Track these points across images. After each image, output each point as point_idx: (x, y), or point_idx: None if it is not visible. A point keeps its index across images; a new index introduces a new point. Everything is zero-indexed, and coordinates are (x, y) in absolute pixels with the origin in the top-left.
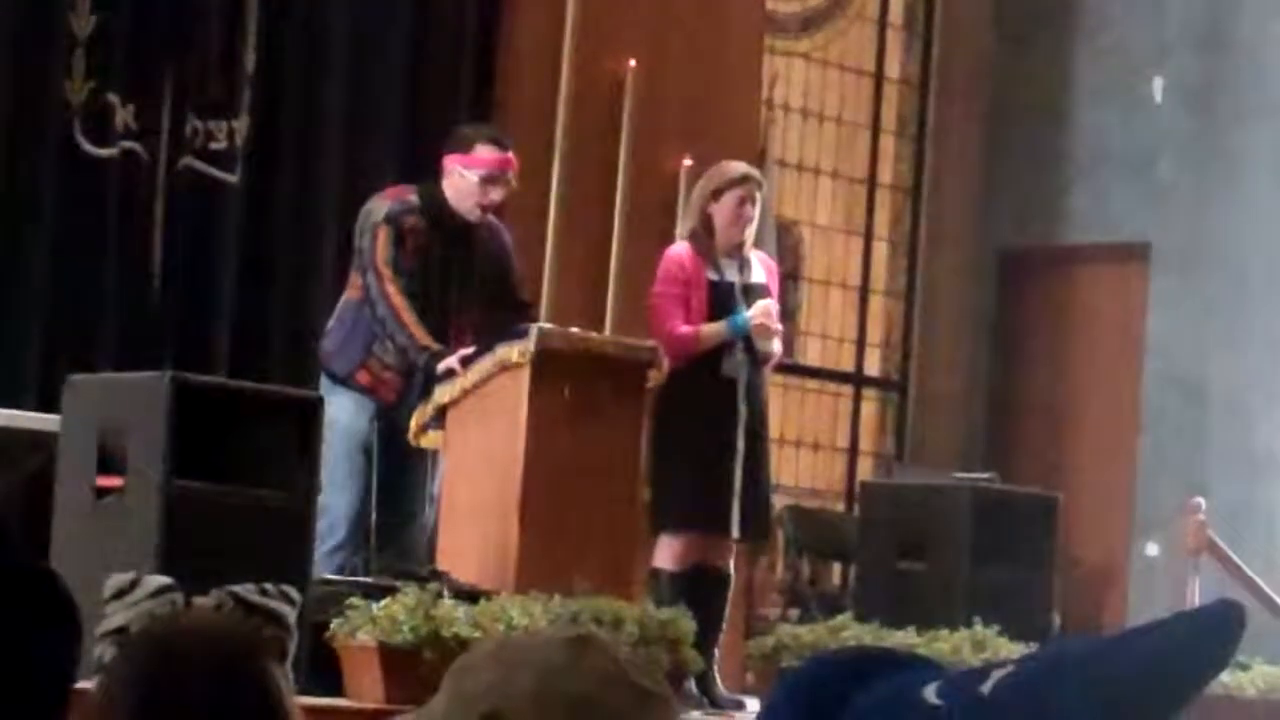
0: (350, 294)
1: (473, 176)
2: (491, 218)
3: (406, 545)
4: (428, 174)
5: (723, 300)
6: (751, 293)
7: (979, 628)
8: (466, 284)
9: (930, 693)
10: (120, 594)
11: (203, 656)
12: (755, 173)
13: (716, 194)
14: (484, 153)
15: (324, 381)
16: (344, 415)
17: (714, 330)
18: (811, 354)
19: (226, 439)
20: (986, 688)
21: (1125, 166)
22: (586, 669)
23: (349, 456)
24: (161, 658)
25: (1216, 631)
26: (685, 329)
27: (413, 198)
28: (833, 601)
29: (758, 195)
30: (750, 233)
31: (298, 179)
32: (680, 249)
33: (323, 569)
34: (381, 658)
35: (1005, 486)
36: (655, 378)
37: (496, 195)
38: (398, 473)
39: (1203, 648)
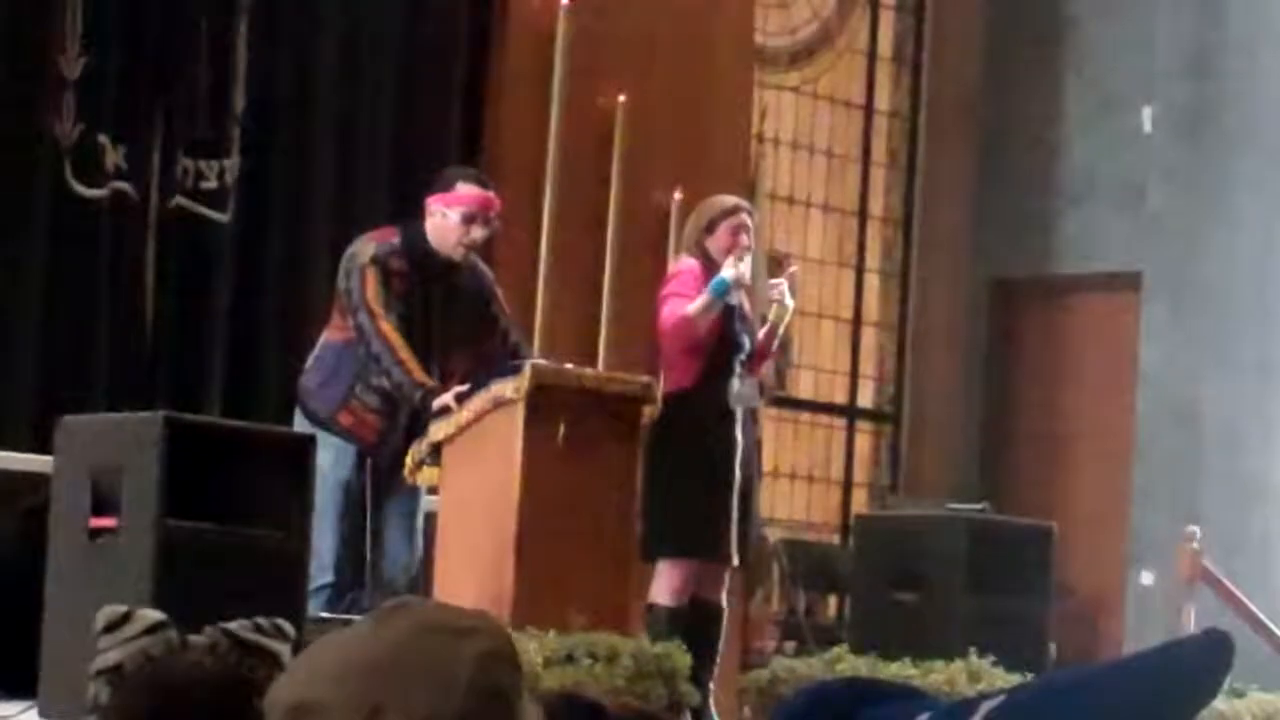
0: (332, 334)
1: (454, 215)
2: (474, 257)
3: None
4: (418, 212)
5: (730, 321)
6: (750, 320)
7: (975, 658)
8: (450, 324)
9: None
10: (112, 627)
11: (198, 698)
12: (744, 203)
13: (710, 227)
14: (465, 191)
15: (300, 420)
16: (326, 458)
17: (701, 302)
18: (804, 387)
19: (220, 478)
20: (976, 719)
21: (1115, 196)
22: (386, 632)
23: (333, 499)
24: (157, 699)
25: (1206, 661)
26: (682, 311)
27: (396, 240)
28: (828, 634)
29: (750, 224)
30: (748, 264)
31: (289, 217)
32: (693, 263)
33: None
34: None
35: (1000, 517)
36: (649, 413)
37: (478, 234)
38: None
39: (1192, 677)
